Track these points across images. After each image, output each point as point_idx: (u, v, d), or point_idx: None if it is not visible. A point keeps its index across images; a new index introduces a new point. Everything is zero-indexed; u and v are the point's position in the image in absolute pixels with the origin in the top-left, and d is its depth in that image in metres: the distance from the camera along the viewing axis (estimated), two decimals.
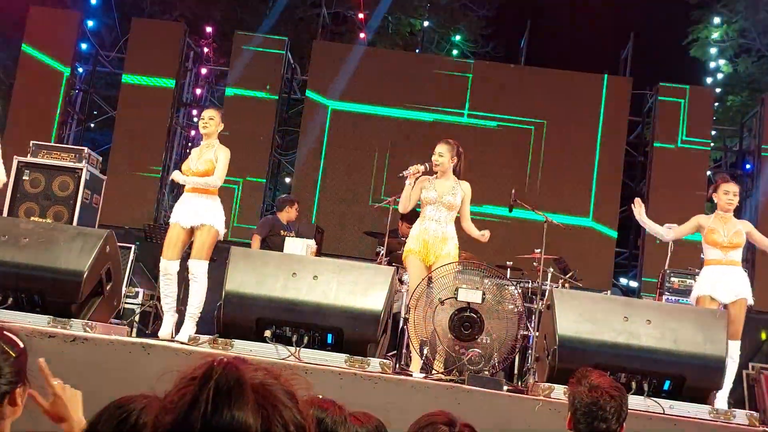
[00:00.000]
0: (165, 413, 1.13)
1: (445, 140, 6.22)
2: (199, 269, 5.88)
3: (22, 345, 2.13)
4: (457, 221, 6.15)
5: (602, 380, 2.75)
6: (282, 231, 8.24)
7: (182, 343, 5.20)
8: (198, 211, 5.93)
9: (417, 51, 14.96)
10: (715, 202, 6.13)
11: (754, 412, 5.03)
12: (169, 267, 5.98)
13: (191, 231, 5.96)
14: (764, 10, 14.23)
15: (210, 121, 6.10)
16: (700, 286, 5.94)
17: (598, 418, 2.68)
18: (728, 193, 6.02)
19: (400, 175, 6.03)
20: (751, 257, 10.72)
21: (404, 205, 6.14)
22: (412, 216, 7.72)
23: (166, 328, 5.92)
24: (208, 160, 5.99)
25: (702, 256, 6.21)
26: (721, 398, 5.49)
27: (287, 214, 8.47)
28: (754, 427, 4.72)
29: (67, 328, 4.82)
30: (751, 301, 5.91)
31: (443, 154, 6.07)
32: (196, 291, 5.88)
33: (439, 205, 6.00)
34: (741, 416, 4.79)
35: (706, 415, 4.65)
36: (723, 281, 5.83)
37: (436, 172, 6.09)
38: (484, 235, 6.09)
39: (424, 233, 5.97)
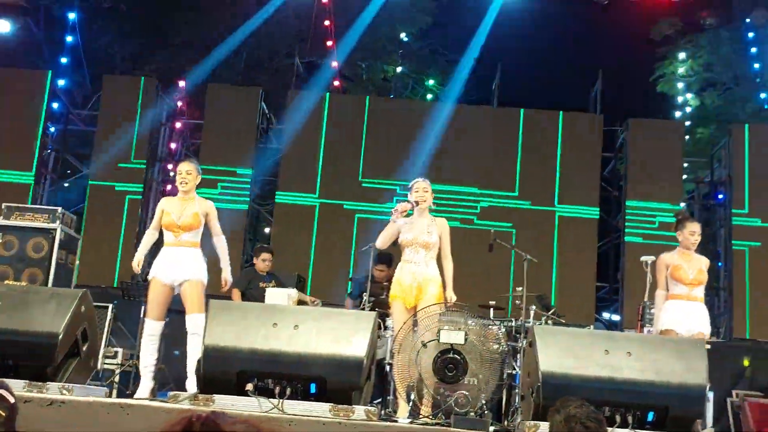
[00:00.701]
0: None
1: (423, 178, 6.26)
2: (198, 323, 5.74)
3: (12, 400, 2.10)
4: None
5: (580, 410, 2.70)
6: (261, 282, 8.16)
7: (162, 401, 5.12)
8: (183, 266, 5.89)
9: (390, 96, 15.12)
10: (679, 239, 6.34)
11: None
12: (155, 328, 5.91)
13: (172, 286, 5.91)
14: (726, 45, 14.58)
15: (188, 176, 6.05)
16: (664, 320, 6.16)
17: None
18: (694, 234, 6.27)
19: (391, 213, 6.03)
20: (728, 285, 10.81)
21: (383, 242, 6.13)
22: (383, 259, 7.73)
23: (143, 392, 5.79)
24: (194, 214, 5.97)
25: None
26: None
27: (260, 264, 8.37)
28: None
29: (43, 391, 4.73)
30: (708, 335, 6.15)
31: (428, 190, 6.10)
32: (197, 344, 5.76)
33: (416, 246, 5.98)
34: None
35: None
36: (688, 316, 6.10)
37: (412, 212, 6.08)
38: (449, 297, 5.96)
39: (405, 276, 5.96)
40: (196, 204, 6.03)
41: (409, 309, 5.85)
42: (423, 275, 5.92)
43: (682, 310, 6.12)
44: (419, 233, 5.99)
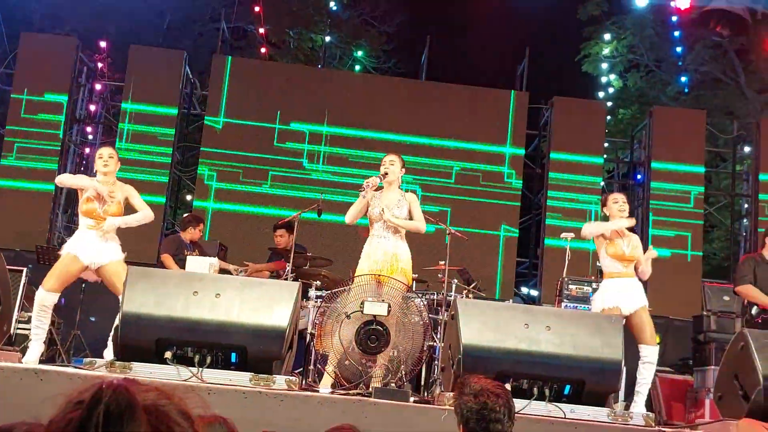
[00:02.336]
0: None
1: (394, 151, 6.21)
2: None
3: None
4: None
5: (483, 382, 2.74)
6: (186, 251, 8.04)
7: (77, 367, 5.00)
8: (107, 249, 5.79)
9: (319, 66, 14.97)
10: (609, 215, 6.17)
11: (650, 413, 5.21)
12: (48, 299, 5.70)
13: (86, 267, 5.76)
14: (650, 27, 14.92)
15: (110, 159, 5.98)
16: (605, 299, 5.95)
17: (491, 420, 2.66)
18: (617, 202, 6.07)
19: (362, 188, 5.94)
20: None
21: (352, 217, 6.04)
22: (284, 225, 7.73)
23: (32, 355, 5.61)
24: (118, 201, 5.90)
25: (598, 264, 6.37)
26: (640, 403, 5.69)
27: (190, 234, 8.26)
28: (650, 427, 4.89)
29: None
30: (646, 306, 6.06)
31: (395, 163, 6.05)
32: None
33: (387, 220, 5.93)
34: (638, 417, 4.95)
35: (604, 418, 4.78)
36: (627, 293, 5.91)
37: (382, 187, 6.03)
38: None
39: (374, 252, 5.91)
40: (118, 191, 5.94)
41: (376, 279, 5.74)
42: (393, 249, 5.90)
43: (622, 287, 5.93)
44: (390, 207, 5.93)
